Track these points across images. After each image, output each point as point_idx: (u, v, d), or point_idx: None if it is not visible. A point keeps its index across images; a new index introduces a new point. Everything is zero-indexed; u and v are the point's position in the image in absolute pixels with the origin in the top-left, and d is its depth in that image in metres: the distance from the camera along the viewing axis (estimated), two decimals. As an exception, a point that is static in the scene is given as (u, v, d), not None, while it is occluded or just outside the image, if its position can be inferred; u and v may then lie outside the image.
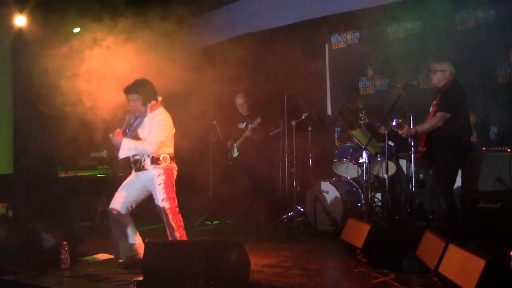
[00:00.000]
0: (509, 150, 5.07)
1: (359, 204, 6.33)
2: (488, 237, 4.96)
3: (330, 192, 6.37)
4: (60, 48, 6.10)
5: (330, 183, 6.39)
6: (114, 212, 4.76)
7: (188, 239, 4.87)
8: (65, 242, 4.67)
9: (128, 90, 4.75)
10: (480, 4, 6.41)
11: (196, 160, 6.99)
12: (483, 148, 5.39)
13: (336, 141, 7.97)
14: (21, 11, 7.02)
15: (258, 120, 6.84)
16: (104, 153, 7.34)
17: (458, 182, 5.31)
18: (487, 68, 6.34)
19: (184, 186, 5.17)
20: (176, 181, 4.86)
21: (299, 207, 6.72)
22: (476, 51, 6.29)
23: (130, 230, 4.84)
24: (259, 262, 4.79)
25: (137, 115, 4.88)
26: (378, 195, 6.68)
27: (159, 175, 4.71)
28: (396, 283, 4.00)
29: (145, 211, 7.28)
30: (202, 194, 7.74)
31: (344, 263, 4.88)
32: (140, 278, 3.93)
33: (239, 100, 7.19)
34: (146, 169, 4.75)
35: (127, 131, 4.88)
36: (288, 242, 5.79)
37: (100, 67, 5.33)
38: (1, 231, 6.82)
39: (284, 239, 5.89)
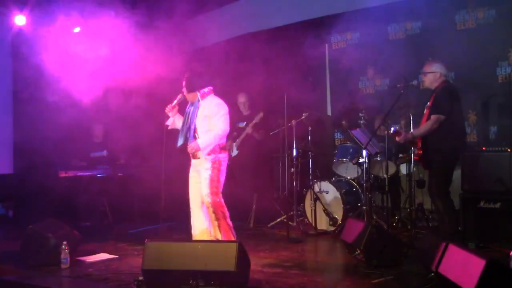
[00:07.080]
0: (509, 150, 5.06)
1: (359, 204, 6.32)
2: (488, 237, 4.97)
3: (330, 192, 6.37)
4: (60, 47, 6.09)
5: (330, 183, 6.39)
6: (190, 199, 5.09)
7: (189, 239, 4.89)
8: (65, 242, 4.67)
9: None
10: (480, 4, 6.41)
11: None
12: (483, 148, 5.37)
13: (336, 141, 7.98)
14: (21, 11, 7.01)
15: (261, 114, 6.81)
16: (105, 153, 7.33)
17: (458, 182, 5.32)
18: (487, 68, 6.34)
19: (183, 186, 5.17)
20: (175, 181, 4.86)
21: (299, 207, 6.72)
22: (476, 51, 6.29)
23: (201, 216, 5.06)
24: (259, 262, 4.78)
25: (191, 101, 5.13)
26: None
27: (206, 169, 4.95)
28: (396, 283, 4.00)
29: (146, 211, 7.31)
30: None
31: (344, 263, 4.89)
32: (140, 278, 3.93)
33: (242, 99, 7.17)
34: (199, 158, 4.99)
35: (187, 119, 5.08)
36: (288, 242, 5.79)
37: (103, 67, 5.33)
38: (1, 231, 6.81)
39: (284, 239, 5.89)
